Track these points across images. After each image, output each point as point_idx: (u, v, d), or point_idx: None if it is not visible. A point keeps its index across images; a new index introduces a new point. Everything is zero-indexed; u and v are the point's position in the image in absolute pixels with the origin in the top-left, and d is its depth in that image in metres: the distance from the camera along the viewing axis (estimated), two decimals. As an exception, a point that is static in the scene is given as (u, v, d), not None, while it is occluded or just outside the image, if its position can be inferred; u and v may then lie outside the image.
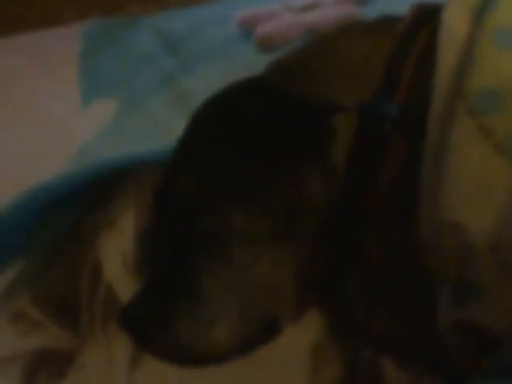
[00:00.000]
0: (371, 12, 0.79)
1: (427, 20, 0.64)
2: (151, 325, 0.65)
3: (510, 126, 0.57)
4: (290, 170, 0.63)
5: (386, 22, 0.68)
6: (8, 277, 0.76)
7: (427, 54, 0.62)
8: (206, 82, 0.84)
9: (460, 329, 0.59)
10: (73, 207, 0.78)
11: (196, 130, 0.69)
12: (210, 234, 0.65)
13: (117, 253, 0.75)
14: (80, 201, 0.78)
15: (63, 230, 0.77)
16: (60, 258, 0.76)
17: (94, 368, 0.72)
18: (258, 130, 0.64)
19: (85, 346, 0.73)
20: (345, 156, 0.63)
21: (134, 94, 0.92)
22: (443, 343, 0.61)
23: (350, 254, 0.63)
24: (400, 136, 0.61)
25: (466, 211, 0.57)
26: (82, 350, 0.73)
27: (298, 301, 0.65)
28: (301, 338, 0.69)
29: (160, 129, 0.85)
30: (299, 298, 0.65)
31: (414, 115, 0.61)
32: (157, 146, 0.80)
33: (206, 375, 0.69)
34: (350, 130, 0.63)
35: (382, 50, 0.65)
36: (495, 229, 0.56)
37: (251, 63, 0.72)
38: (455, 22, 0.61)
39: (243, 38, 1.00)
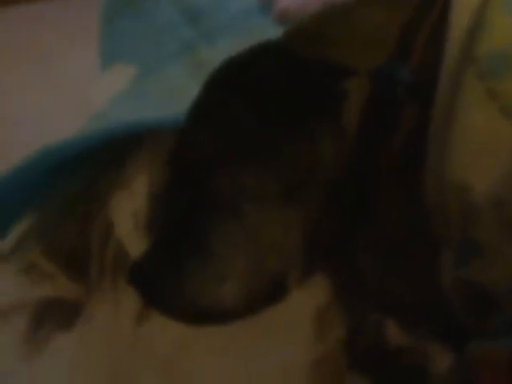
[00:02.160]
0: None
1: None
2: (159, 281, 0.66)
3: None
4: (301, 132, 0.64)
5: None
6: (20, 230, 0.76)
7: (442, 21, 0.62)
8: (224, 53, 0.85)
9: (464, 289, 0.60)
10: (86, 168, 0.79)
11: (209, 93, 0.69)
12: (221, 195, 0.65)
13: (128, 213, 0.75)
14: (94, 162, 0.79)
15: (76, 189, 0.78)
16: (72, 215, 0.77)
17: (100, 321, 0.73)
18: (270, 93, 0.64)
19: (93, 299, 0.74)
20: (356, 120, 0.63)
21: (152, 61, 0.92)
22: (450, 305, 0.61)
23: (360, 217, 0.64)
24: (412, 100, 0.62)
25: (471, 171, 0.58)
26: (89, 303, 0.74)
27: (306, 263, 0.66)
28: (307, 300, 0.70)
29: (177, 96, 0.86)
30: (307, 260, 0.66)
31: (427, 80, 0.62)
32: (173, 112, 0.80)
33: (210, 334, 0.70)
34: (362, 93, 0.63)
35: (398, 18, 0.65)
36: (499, 187, 0.57)
37: (270, 37, 0.72)
38: None
39: (263, 12, 1.00)
